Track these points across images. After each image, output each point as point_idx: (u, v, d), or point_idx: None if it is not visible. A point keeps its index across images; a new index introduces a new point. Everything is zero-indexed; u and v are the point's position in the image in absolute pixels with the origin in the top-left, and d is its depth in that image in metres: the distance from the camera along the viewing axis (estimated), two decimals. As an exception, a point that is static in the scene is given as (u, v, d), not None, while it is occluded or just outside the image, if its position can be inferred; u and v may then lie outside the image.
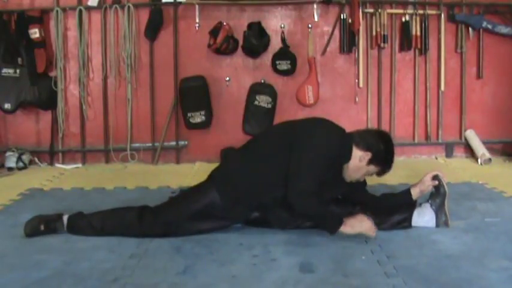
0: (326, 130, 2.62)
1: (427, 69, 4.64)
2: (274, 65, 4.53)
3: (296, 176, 2.47)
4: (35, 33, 4.36)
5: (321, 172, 2.50)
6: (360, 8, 4.43)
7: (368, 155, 2.58)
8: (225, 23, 4.39)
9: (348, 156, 2.59)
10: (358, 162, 2.59)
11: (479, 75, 4.67)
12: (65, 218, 2.66)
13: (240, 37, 4.48)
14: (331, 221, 2.50)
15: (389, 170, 2.67)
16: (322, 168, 2.50)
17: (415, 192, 2.72)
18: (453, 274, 2.16)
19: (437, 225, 2.69)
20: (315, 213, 2.53)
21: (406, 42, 4.53)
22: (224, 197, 2.54)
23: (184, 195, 2.80)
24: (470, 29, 4.58)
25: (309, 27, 4.53)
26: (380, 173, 2.67)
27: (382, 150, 2.61)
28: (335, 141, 2.58)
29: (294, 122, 2.77)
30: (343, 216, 2.51)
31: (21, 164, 4.42)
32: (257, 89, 4.51)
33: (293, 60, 4.52)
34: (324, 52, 4.58)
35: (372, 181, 3.76)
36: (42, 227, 2.62)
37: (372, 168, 2.62)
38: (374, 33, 4.53)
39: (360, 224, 2.50)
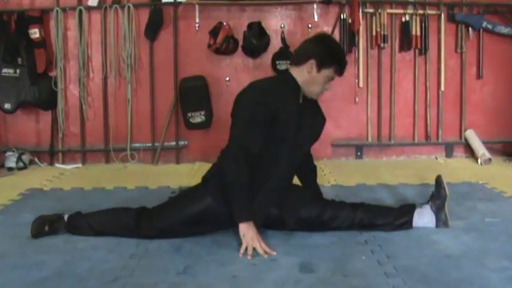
0: (247, 88, 2.59)
1: (427, 69, 4.64)
2: (274, 65, 4.53)
3: (229, 142, 2.49)
4: (35, 33, 4.36)
5: (252, 130, 2.42)
6: (360, 8, 4.43)
7: (312, 63, 2.49)
8: (225, 23, 4.40)
9: (292, 84, 2.54)
10: (308, 75, 2.51)
11: (479, 75, 4.67)
12: (65, 218, 2.66)
13: (240, 37, 4.48)
14: (242, 209, 2.40)
15: (344, 63, 2.55)
16: (252, 125, 2.42)
17: None
18: (453, 274, 2.16)
19: (437, 226, 2.69)
20: (230, 181, 2.41)
21: (406, 42, 4.53)
22: (226, 204, 2.46)
23: (180, 201, 2.70)
24: (470, 29, 4.58)
25: (309, 27, 4.53)
26: (338, 72, 2.55)
27: (323, 51, 2.50)
28: (258, 88, 2.54)
29: None
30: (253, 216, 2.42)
31: (21, 164, 4.42)
32: (257, 89, 4.50)
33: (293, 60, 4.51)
34: (324, 52, 4.57)
35: (372, 181, 3.78)
36: (46, 228, 2.62)
37: (326, 72, 2.51)
38: (374, 33, 4.53)
39: (258, 236, 2.39)
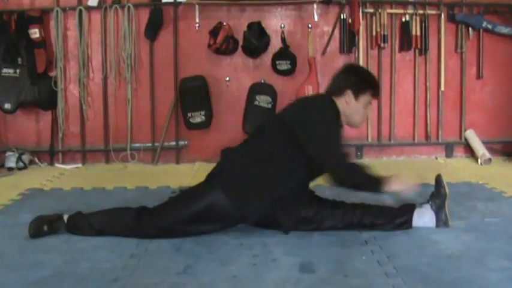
0: (317, 101, 2.67)
1: (427, 69, 4.64)
2: (274, 65, 4.53)
3: (320, 152, 2.47)
4: (35, 33, 4.36)
5: (338, 136, 2.53)
6: (360, 8, 4.43)
7: (349, 94, 2.60)
8: (225, 23, 4.40)
9: (337, 113, 2.62)
10: (347, 106, 2.61)
11: (479, 75, 4.68)
12: (65, 218, 2.65)
13: (240, 37, 4.48)
14: (376, 183, 2.48)
15: (377, 86, 2.76)
16: (337, 133, 2.54)
17: None
18: (453, 274, 2.16)
19: (437, 225, 2.69)
20: (361, 174, 2.49)
21: (406, 42, 4.54)
22: (234, 199, 2.48)
23: (182, 199, 2.72)
24: (470, 29, 4.58)
25: (309, 27, 4.54)
26: (375, 95, 2.71)
27: (356, 79, 2.64)
28: (328, 106, 2.60)
29: (284, 111, 2.76)
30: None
31: (21, 164, 4.42)
32: (257, 89, 4.50)
33: (293, 60, 4.52)
34: (324, 52, 4.58)
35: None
36: (45, 228, 2.61)
37: (363, 98, 2.63)
38: (374, 33, 4.53)
39: (406, 179, 2.53)
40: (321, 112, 2.56)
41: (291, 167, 2.54)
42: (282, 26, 4.54)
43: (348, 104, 2.61)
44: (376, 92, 2.72)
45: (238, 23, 4.51)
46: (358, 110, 2.63)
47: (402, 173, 2.56)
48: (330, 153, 2.47)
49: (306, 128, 2.50)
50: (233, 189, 2.51)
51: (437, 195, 2.69)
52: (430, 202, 2.72)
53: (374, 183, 2.48)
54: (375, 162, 4.58)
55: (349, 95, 2.60)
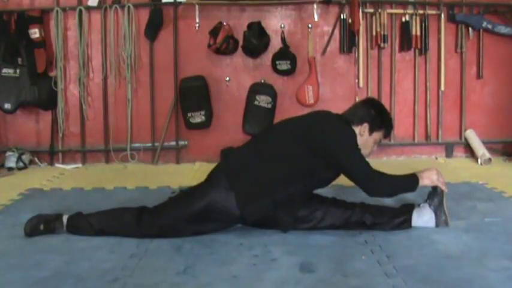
0: (337, 122, 2.68)
1: (427, 69, 4.64)
2: (274, 65, 4.53)
3: (356, 176, 2.56)
4: (35, 33, 4.36)
5: (364, 159, 2.59)
6: (360, 8, 4.43)
7: (365, 126, 2.67)
8: (225, 23, 4.40)
9: (356, 138, 2.67)
10: (360, 137, 2.65)
11: (479, 75, 4.67)
12: (65, 218, 2.66)
13: (240, 37, 4.48)
14: (411, 182, 2.60)
15: (391, 128, 2.84)
16: (363, 156, 2.60)
17: None
18: (453, 274, 2.16)
19: (437, 224, 2.69)
20: (394, 187, 2.62)
21: (406, 42, 4.53)
22: (236, 198, 2.50)
23: (182, 198, 2.74)
24: (470, 29, 4.58)
25: (309, 27, 4.54)
26: (386, 135, 2.79)
27: (375, 115, 2.70)
28: (347, 127, 2.65)
29: (301, 119, 2.80)
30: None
31: (21, 164, 4.42)
32: (257, 89, 4.51)
33: (293, 60, 4.52)
34: (324, 52, 4.58)
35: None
36: (41, 227, 2.62)
37: (376, 135, 2.71)
38: (374, 33, 4.53)
39: (437, 173, 2.63)
40: (349, 139, 2.61)
41: (300, 174, 2.57)
42: (282, 26, 4.54)
43: (361, 136, 2.66)
44: (389, 133, 2.82)
45: (238, 23, 4.51)
46: (368, 144, 2.69)
47: (430, 167, 2.68)
48: (368, 179, 2.56)
49: (340, 155, 2.56)
50: (235, 189, 2.51)
51: (433, 193, 2.70)
52: (428, 201, 2.72)
53: (410, 184, 2.60)
54: (374, 163, 4.58)
55: (365, 127, 2.66)
